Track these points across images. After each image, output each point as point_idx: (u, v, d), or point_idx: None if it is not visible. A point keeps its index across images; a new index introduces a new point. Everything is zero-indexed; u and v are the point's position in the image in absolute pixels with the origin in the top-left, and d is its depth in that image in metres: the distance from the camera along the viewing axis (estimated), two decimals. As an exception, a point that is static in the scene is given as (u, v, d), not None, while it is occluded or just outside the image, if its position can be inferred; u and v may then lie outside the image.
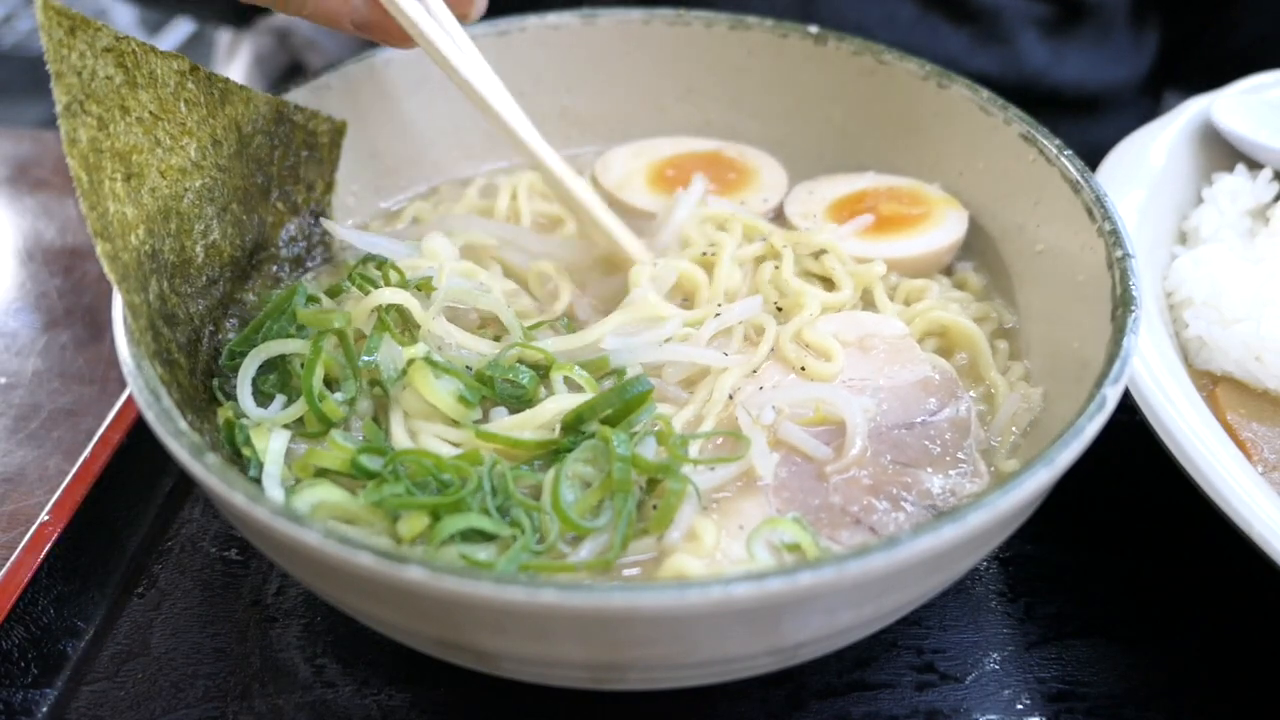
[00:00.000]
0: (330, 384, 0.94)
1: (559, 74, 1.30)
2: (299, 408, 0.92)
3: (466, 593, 0.68)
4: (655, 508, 0.86)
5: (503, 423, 0.93)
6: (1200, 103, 1.32)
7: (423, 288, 1.01)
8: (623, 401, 0.91)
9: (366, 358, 0.93)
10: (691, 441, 0.91)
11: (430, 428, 0.92)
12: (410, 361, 0.93)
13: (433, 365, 0.92)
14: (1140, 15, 1.71)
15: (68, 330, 1.30)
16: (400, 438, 0.91)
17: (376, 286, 1.00)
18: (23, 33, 4.24)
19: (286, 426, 0.92)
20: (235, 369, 0.96)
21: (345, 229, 1.10)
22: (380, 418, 0.94)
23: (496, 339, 1.01)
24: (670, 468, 0.86)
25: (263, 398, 0.94)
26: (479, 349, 0.98)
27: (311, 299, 0.99)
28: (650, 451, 0.89)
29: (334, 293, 1.03)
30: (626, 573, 0.86)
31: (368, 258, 1.07)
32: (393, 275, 1.02)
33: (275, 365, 0.95)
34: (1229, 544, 0.89)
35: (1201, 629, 0.98)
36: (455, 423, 0.93)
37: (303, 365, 0.92)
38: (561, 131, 1.33)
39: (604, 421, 0.92)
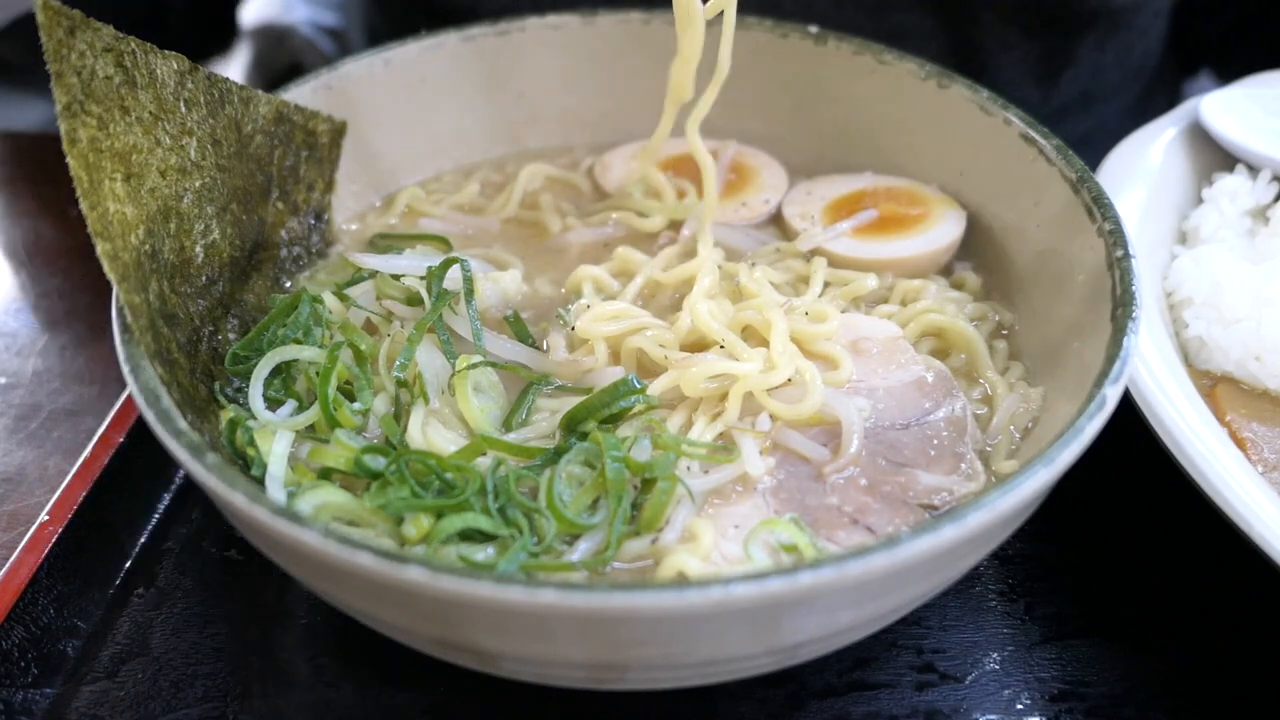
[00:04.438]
0: (341, 389, 0.95)
1: (559, 74, 1.30)
2: (312, 414, 0.92)
3: (466, 593, 0.68)
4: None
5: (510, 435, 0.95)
6: (1201, 102, 1.32)
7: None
8: (615, 401, 0.92)
9: (402, 360, 0.95)
10: (686, 444, 0.91)
11: (448, 434, 0.93)
12: (456, 373, 0.95)
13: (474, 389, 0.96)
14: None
15: (68, 330, 1.30)
16: (416, 438, 0.92)
17: (413, 294, 1.03)
18: (23, 33, 4.23)
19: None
20: (238, 372, 0.97)
21: (367, 255, 1.10)
22: (401, 415, 0.95)
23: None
24: (658, 465, 0.87)
25: (268, 401, 0.94)
26: (526, 360, 1.02)
27: (316, 300, 1.00)
28: (644, 454, 0.90)
29: (343, 288, 1.04)
30: (625, 577, 0.86)
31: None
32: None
33: (280, 369, 0.96)
34: (1229, 544, 0.89)
35: (1201, 629, 0.98)
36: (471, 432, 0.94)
37: (318, 373, 0.93)
38: (561, 131, 1.33)
39: (601, 423, 0.93)
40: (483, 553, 0.84)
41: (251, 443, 0.89)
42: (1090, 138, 1.63)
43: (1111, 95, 1.67)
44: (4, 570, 0.94)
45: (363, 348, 0.97)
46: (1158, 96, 1.76)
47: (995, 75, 1.55)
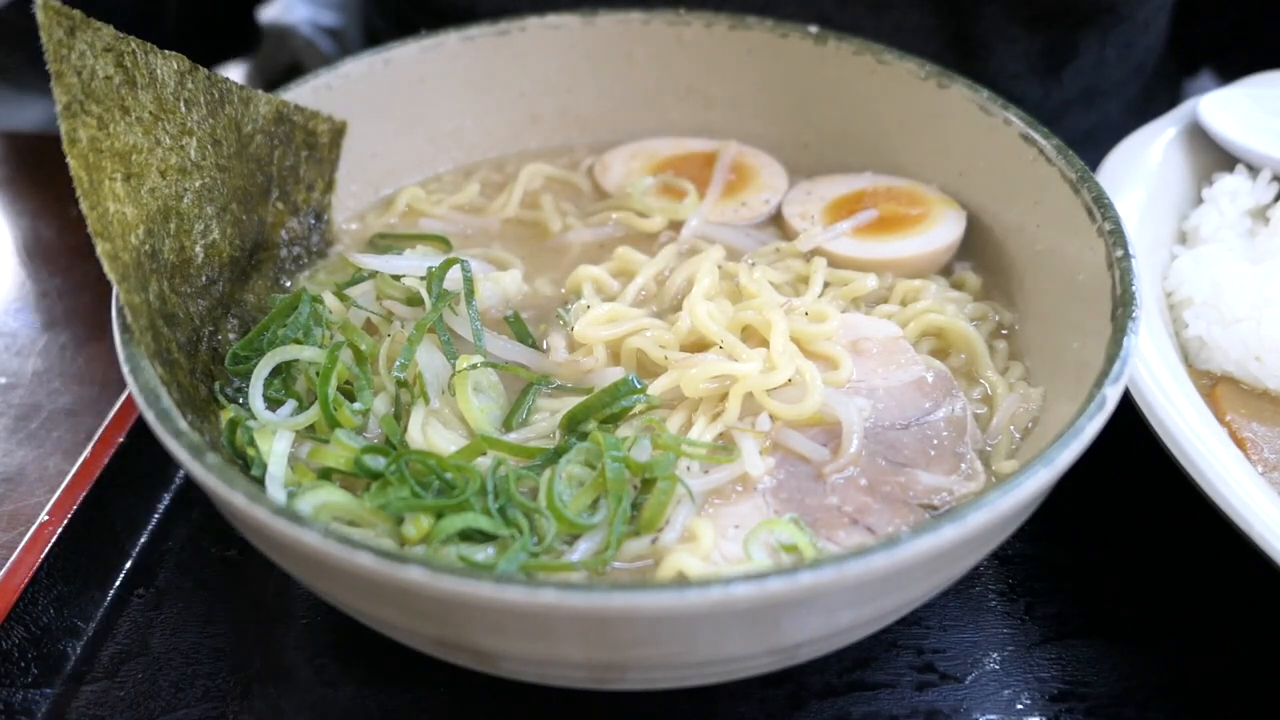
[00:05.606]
0: (341, 389, 0.95)
1: (559, 74, 1.30)
2: (312, 414, 0.92)
3: (466, 593, 0.68)
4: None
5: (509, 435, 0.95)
6: (1201, 102, 1.32)
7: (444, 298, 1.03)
8: (615, 401, 0.92)
9: (402, 360, 0.95)
10: (686, 444, 0.91)
11: (448, 434, 0.93)
12: (456, 373, 0.95)
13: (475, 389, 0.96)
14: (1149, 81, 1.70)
15: (68, 330, 1.30)
16: (416, 438, 0.92)
17: (413, 294, 1.03)
18: (23, 33, 4.22)
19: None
20: (238, 372, 0.97)
21: (367, 255, 1.10)
22: (401, 415, 0.95)
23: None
24: (658, 465, 0.87)
25: (268, 401, 0.94)
26: (526, 360, 1.02)
27: (316, 300, 1.00)
28: (644, 454, 0.90)
29: (343, 288, 1.04)
30: (625, 577, 0.86)
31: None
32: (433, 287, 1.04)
33: (280, 369, 0.96)
34: (1229, 544, 0.89)
35: (1201, 629, 0.98)
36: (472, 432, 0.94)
37: (318, 373, 0.93)
38: (561, 131, 1.33)
39: (601, 423, 0.93)
40: (483, 553, 0.84)
41: (251, 443, 0.89)
42: (1093, 134, 1.63)
43: (1114, 91, 1.67)
44: (4, 570, 0.94)
45: (363, 348, 0.97)
46: (1159, 94, 1.76)
47: (997, 71, 1.54)
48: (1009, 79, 1.55)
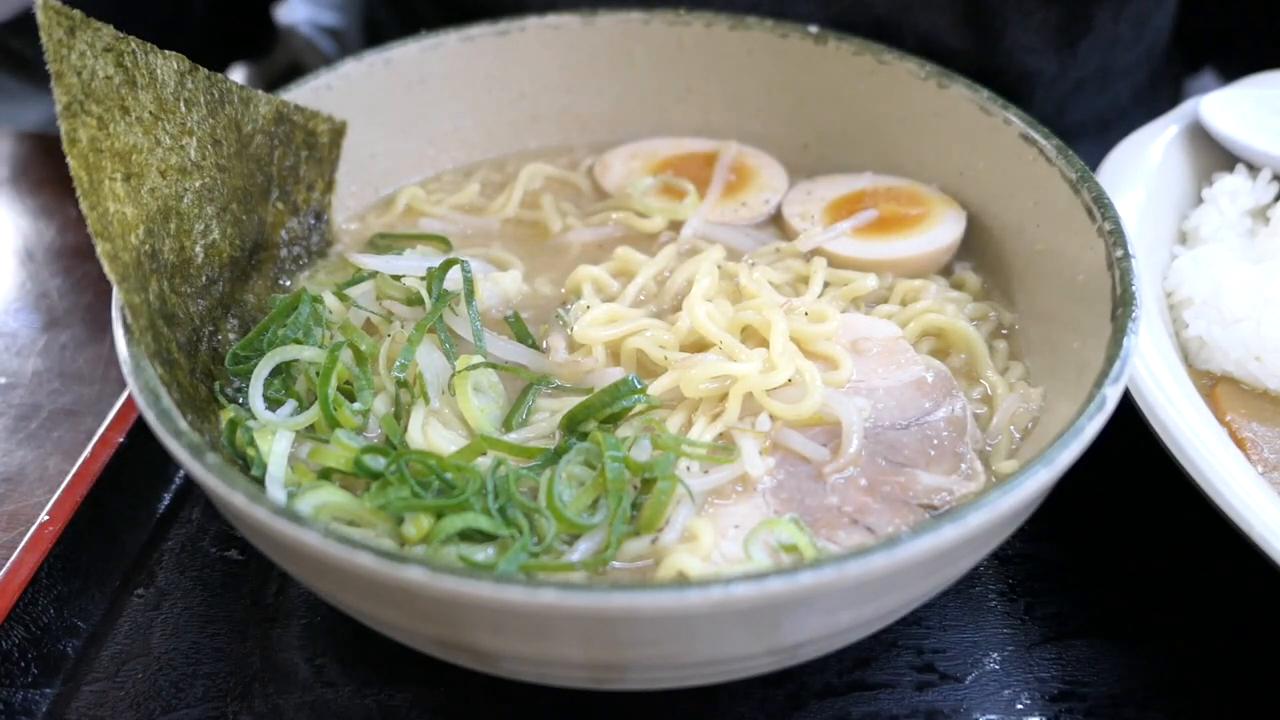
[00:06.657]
0: (341, 389, 0.95)
1: (559, 74, 1.30)
2: (312, 414, 0.92)
3: (466, 593, 0.68)
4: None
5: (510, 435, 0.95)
6: (1201, 102, 1.32)
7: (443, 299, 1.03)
8: (615, 401, 0.92)
9: (402, 360, 0.95)
10: (686, 444, 0.91)
11: (448, 434, 0.93)
12: (456, 373, 0.96)
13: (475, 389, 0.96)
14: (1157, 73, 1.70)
15: (68, 330, 1.30)
16: (416, 438, 0.92)
17: (413, 294, 1.03)
18: (23, 33, 4.22)
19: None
20: (239, 372, 0.97)
21: (367, 256, 1.10)
22: (401, 415, 0.95)
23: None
24: (658, 465, 0.87)
25: (268, 401, 0.94)
26: (526, 360, 1.02)
27: (316, 300, 1.00)
28: (644, 454, 0.90)
29: (343, 288, 1.04)
30: (625, 577, 0.86)
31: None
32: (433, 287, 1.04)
33: (280, 369, 0.96)
34: (1229, 544, 0.89)
35: (1201, 629, 0.98)
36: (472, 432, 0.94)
37: (318, 373, 0.93)
38: (561, 131, 1.33)
39: (601, 423, 0.93)
40: (483, 553, 0.84)
41: (251, 443, 0.89)
42: (1103, 117, 1.63)
43: (1125, 73, 1.66)
44: (4, 570, 0.94)
45: (363, 348, 0.97)
46: (1164, 85, 1.75)
47: (1013, 44, 1.53)
48: (1025, 53, 1.53)
